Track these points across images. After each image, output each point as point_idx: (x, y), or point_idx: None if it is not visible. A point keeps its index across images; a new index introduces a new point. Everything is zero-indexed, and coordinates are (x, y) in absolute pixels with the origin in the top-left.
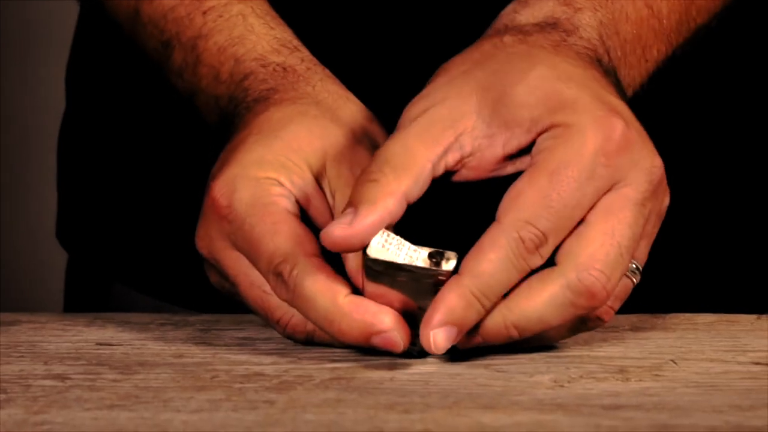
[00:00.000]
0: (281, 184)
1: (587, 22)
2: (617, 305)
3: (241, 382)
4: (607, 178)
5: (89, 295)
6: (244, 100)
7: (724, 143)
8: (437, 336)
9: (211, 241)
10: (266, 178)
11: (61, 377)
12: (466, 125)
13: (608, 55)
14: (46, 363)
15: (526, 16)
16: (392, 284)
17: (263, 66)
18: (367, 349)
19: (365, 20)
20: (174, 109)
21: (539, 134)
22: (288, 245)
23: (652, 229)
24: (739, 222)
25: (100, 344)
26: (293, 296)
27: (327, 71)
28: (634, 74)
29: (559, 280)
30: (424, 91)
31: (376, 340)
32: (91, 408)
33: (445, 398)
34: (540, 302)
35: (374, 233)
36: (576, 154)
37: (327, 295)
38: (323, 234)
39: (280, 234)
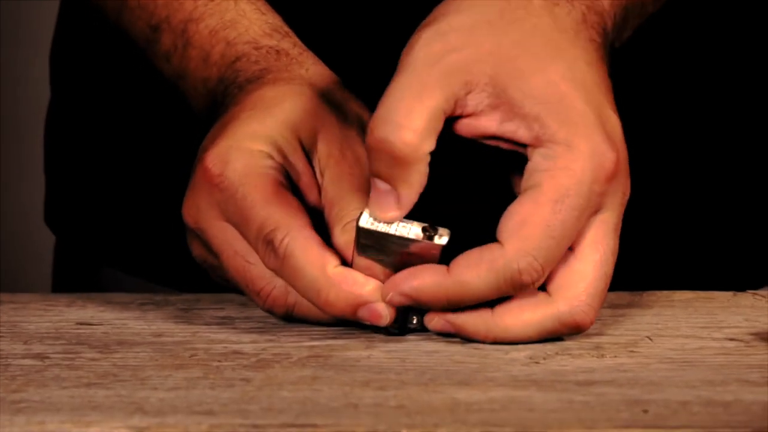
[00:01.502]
0: (273, 158)
1: None
2: (597, 315)
3: (219, 361)
4: (596, 206)
5: (77, 278)
6: (235, 81)
7: (698, 122)
8: (393, 299)
9: (198, 211)
10: (259, 150)
11: (41, 356)
12: (478, 82)
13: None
14: (25, 343)
15: None
16: (382, 257)
17: (256, 48)
18: (345, 328)
19: (360, 14)
20: (159, 93)
21: (539, 141)
22: (280, 214)
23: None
24: (716, 200)
25: (81, 324)
26: (282, 264)
27: (317, 58)
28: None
29: (551, 310)
30: (440, 22)
31: (362, 312)
32: (68, 386)
33: (421, 375)
34: (527, 322)
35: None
36: (577, 183)
37: (316, 264)
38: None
39: (273, 203)
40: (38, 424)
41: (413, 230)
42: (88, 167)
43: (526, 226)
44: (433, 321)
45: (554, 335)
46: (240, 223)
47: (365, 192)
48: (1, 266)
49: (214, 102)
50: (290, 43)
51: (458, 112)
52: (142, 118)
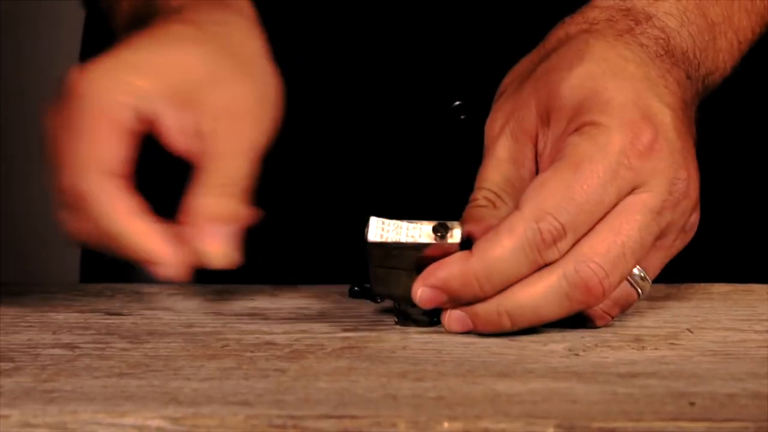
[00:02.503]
0: (139, 96)
1: (666, 10)
2: (615, 312)
3: (251, 351)
4: (629, 181)
5: (105, 267)
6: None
7: (738, 116)
8: (424, 294)
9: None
10: (128, 83)
11: (70, 346)
12: (536, 134)
13: (691, 41)
14: (54, 332)
15: (603, 2)
16: (400, 265)
17: None
18: (379, 319)
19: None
20: None
21: (570, 134)
22: (105, 154)
23: (672, 244)
24: (754, 193)
25: (110, 314)
26: (85, 204)
27: (254, 11)
28: (725, 57)
29: (556, 270)
30: (498, 103)
31: (155, 265)
32: (100, 376)
33: (458, 366)
34: (536, 291)
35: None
36: (601, 150)
37: (120, 211)
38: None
39: (102, 142)
40: (71, 414)
41: (424, 230)
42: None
43: (544, 187)
44: (446, 317)
45: (568, 307)
46: (67, 147)
47: (250, 156)
48: (29, 257)
49: (134, 23)
50: None
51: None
52: None
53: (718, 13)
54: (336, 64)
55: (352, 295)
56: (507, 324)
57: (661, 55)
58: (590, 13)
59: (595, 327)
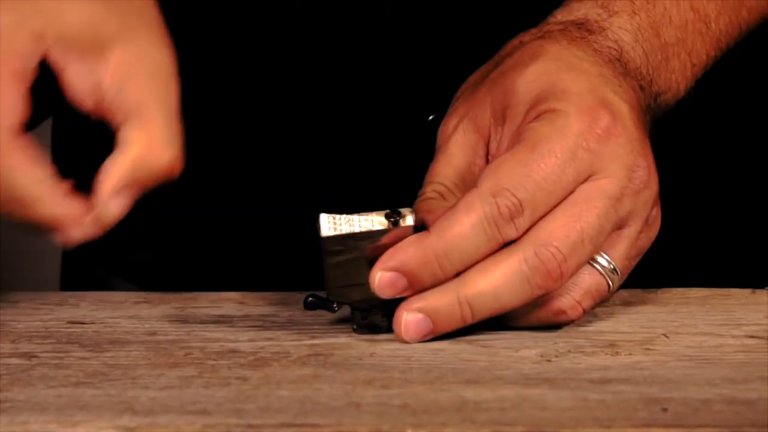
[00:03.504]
0: (42, 43)
1: (620, 25)
2: (587, 303)
3: (214, 359)
4: (588, 163)
5: (85, 281)
6: None
7: (714, 118)
8: (383, 279)
9: None
10: (30, 28)
11: (28, 355)
12: (489, 132)
13: (644, 58)
14: (13, 342)
15: (559, 17)
16: (356, 258)
17: None
18: (348, 327)
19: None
20: None
21: (529, 122)
22: (6, 107)
23: (637, 236)
24: (732, 196)
25: (72, 323)
26: None
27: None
28: (677, 78)
29: (515, 254)
30: (453, 106)
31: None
32: (55, 386)
33: (426, 373)
34: (496, 277)
35: None
36: (559, 132)
37: (26, 171)
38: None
39: (3, 94)
40: (21, 425)
41: (376, 219)
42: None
43: (502, 166)
44: (403, 316)
45: (529, 293)
46: None
47: (171, 110)
48: (6, 266)
49: None
50: None
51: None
52: None
53: (671, 35)
54: (312, 78)
55: (308, 306)
56: (468, 315)
57: (614, 62)
58: (545, 27)
59: (569, 321)
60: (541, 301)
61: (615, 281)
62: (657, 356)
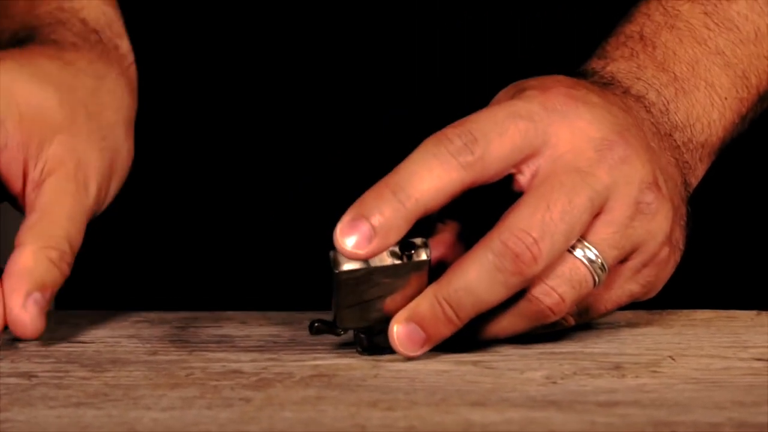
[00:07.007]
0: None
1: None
2: (563, 289)
3: (217, 380)
4: (541, 132)
5: (81, 295)
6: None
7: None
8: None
9: None
10: None
11: (28, 375)
12: None
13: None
14: (13, 361)
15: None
16: (372, 291)
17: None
18: (351, 348)
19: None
20: (154, 130)
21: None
22: None
23: (621, 218)
24: (737, 218)
25: (72, 342)
26: None
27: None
28: (702, 111)
29: (482, 243)
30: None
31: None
32: (55, 406)
33: (431, 395)
34: (467, 270)
35: None
36: (518, 94)
37: None
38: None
39: None
40: None
41: (390, 253)
42: None
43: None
44: (394, 329)
45: (503, 281)
46: None
47: (79, 220)
48: None
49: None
50: (116, 37)
51: None
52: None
53: (683, 70)
54: (311, 78)
55: (314, 331)
56: (451, 314)
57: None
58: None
59: (556, 319)
60: (519, 294)
61: (602, 279)
62: (664, 379)
